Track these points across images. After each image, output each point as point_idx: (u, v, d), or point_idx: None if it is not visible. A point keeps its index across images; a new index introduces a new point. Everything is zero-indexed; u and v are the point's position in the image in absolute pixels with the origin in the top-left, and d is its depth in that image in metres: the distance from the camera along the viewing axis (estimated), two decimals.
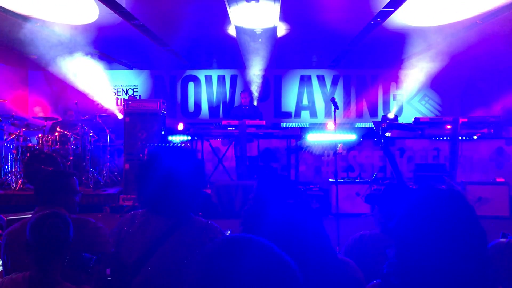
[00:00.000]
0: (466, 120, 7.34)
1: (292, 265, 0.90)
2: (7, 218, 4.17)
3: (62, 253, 1.92)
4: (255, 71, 10.83)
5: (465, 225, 1.31)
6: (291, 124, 11.28)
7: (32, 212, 2.60)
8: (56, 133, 8.41)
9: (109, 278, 1.93)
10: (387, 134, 7.50)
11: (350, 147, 8.72)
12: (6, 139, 8.52)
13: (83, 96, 10.34)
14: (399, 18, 7.26)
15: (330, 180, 7.95)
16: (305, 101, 11.42)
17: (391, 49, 9.13)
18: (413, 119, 7.58)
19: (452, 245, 1.27)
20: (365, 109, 11.38)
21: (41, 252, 1.89)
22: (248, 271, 0.85)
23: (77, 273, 2.09)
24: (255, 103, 10.36)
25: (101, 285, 1.96)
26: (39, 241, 1.89)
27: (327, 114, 11.15)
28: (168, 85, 11.55)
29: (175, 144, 8.30)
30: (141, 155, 7.75)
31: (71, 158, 8.31)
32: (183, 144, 8.41)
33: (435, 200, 1.36)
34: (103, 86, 9.91)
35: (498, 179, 7.51)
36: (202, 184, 2.17)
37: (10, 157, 8.66)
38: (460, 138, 7.32)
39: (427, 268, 1.27)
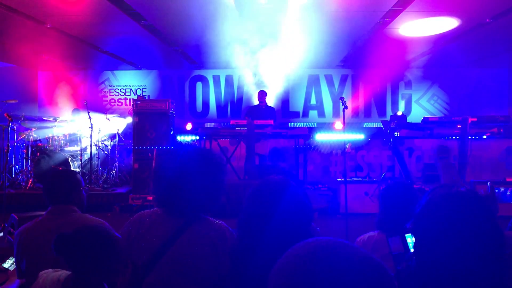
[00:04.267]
0: (475, 119, 7.29)
1: (387, 269, 0.83)
2: (19, 216, 4.22)
3: (103, 271, 1.84)
4: (263, 71, 10.83)
5: (484, 227, 1.31)
6: (299, 123, 11.27)
7: (43, 211, 2.63)
8: (66, 133, 8.48)
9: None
10: (395, 133, 7.47)
11: (359, 147, 8.69)
12: (16, 138, 8.61)
13: (92, 95, 10.46)
14: (406, 28, 7.26)
15: (338, 179, 7.94)
16: (313, 101, 11.41)
17: (399, 48, 9.09)
18: (422, 119, 7.55)
19: (470, 247, 1.27)
20: (374, 108, 11.35)
21: (76, 267, 1.81)
22: (345, 278, 0.78)
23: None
24: (272, 104, 10.30)
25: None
26: (75, 259, 1.80)
27: (335, 114, 11.13)
28: (176, 85, 11.59)
29: (193, 144, 8.32)
30: (150, 154, 7.79)
31: (80, 157, 8.38)
32: (196, 144, 8.45)
33: (454, 202, 1.36)
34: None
35: (508, 179, 7.45)
36: (219, 184, 2.11)
37: (21, 156, 8.75)
38: (469, 137, 7.28)
39: (444, 267, 1.27)
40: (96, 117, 8.84)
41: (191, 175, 1.99)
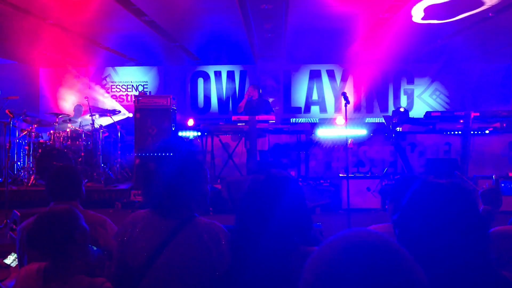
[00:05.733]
0: (478, 114, 7.26)
1: (419, 266, 0.82)
2: (21, 213, 4.22)
3: (70, 247, 1.91)
4: (265, 66, 10.81)
5: (465, 218, 1.31)
6: (301, 119, 11.26)
7: (45, 207, 2.62)
8: (68, 129, 8.48)
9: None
10: (398, 128, 7.45)
11: (361, 142, 8.67)
12: (18, 135, 8.62)
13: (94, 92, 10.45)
14: (408, 14, 7.21)
15: (340, 175, 7.93)
16: (315, 96, 11.38)
17: (401, 43, 9.05)
18: (424, 114, 7.52)
19: (452, 238, 1.27)
20: (376, 103, 11.32)
21: (48, 251, 1.90)
22: (375, 271, 0.76)
23: (90, 267, 2.11)
24: (270, 99, 10.25)
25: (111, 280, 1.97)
26: (43, 244, 1.89)
27: (337, 109, 11.10)
28: (177, 81, 11.57)
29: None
30: (148, 153, 7.79)
31: (82, 154, 8.39)
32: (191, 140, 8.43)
33: (434, 194, 1.36)
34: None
35: (510, 174, 7.43)
36: (204, 181, 2.14)
37: (23, 153, 8.76)
38: (472, 132, 7.25)
39: (428, 258, 1.27)
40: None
41: (181, 182, 2.02)
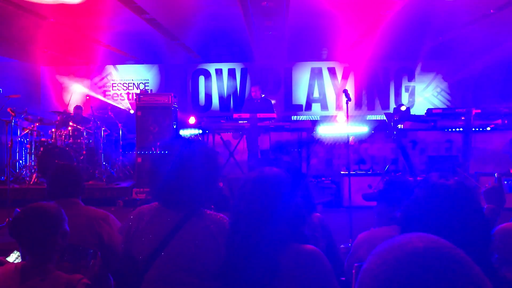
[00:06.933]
0: (479, 111, 7.25)
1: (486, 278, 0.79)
2: None
3: (51, 245, 1.94)
4: (265, 64, 10.79)
5: (468, 217, 1.31)
6: (302, 117, 11.24)
7: None
8: (69, 128, 8.49)
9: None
10: (399, 126, 7.45)
11: (362, 140, 8.66)
12: (20, 134, 8.62)
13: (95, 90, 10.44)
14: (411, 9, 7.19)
15: (342, 172, 7.93)
16: (316, 94, 11.37)
17: (402, 40, 9.04)
18: (426, 111, 7.51)
19: (454, 236, 1.27)
20: (377, 101, 11.30)
21: (30, 244, 1.92)
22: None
23: (75, 265, 2.12)
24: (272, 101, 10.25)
25: (97, 279, 1.97)
26: (27, 235, 1.91)
27: (338, 107, 11.09)
28: (178, 79, 11.56)
29: (187, 137, 8.31)
30: (153, 148, 7.79)
31: (84, 152, 8.39)
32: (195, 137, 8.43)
33: (439, 193, 1.36)
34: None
35: None
36: (216, 178, 2.15)
37: (24, 151, 8.76)
38: (473, 129, 7.25)
39: None
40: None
41: (190, 170, 1.99)
